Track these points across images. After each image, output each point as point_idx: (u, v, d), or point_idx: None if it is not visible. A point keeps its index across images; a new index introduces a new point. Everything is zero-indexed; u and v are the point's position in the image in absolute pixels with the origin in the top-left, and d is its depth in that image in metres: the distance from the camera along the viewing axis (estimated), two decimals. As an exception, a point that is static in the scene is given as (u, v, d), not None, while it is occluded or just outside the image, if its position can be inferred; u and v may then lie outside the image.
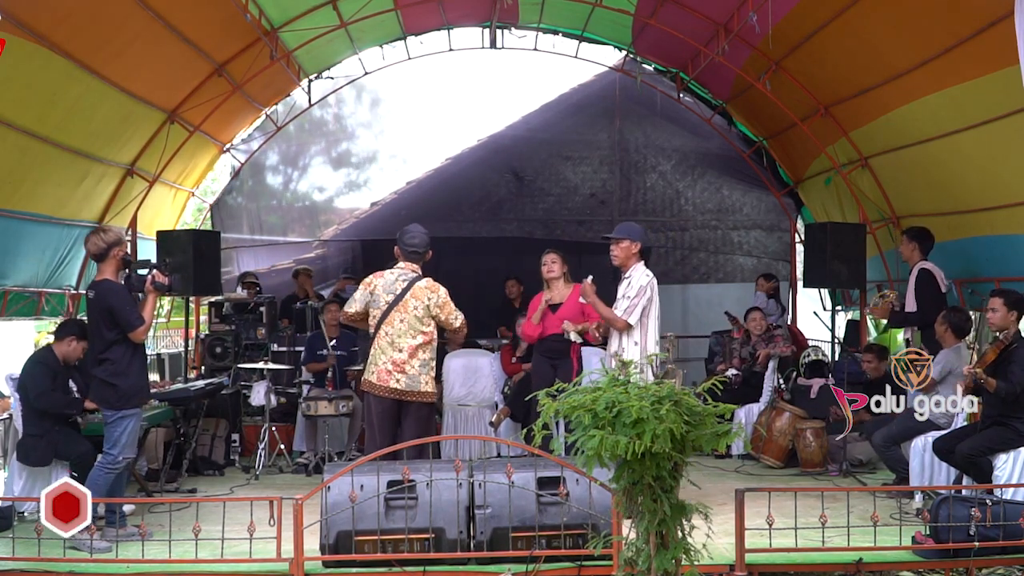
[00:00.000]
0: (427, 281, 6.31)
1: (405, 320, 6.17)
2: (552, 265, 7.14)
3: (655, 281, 6.34)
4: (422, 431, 6.21)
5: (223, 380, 8.71)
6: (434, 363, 6.34)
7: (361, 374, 7.88)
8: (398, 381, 6.14)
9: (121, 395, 5.84)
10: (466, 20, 11.06)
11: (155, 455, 7.94)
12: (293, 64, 10.33)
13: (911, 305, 7.72)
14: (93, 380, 6.01)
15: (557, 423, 5.43)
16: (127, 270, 6.02)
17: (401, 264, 6.39)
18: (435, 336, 6.31)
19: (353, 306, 6.34)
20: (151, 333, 11.85)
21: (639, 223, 11.94)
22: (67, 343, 6.63)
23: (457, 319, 6.33)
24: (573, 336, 6.85)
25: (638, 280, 6.28)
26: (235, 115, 10.72)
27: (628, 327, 6.21)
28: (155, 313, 6.24)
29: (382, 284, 6.26)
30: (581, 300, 6.69)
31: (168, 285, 6.01)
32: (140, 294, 6.01)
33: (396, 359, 6.14)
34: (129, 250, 6.09)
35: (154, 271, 5.95)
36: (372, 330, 6.25)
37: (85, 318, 6.75)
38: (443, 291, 6.33)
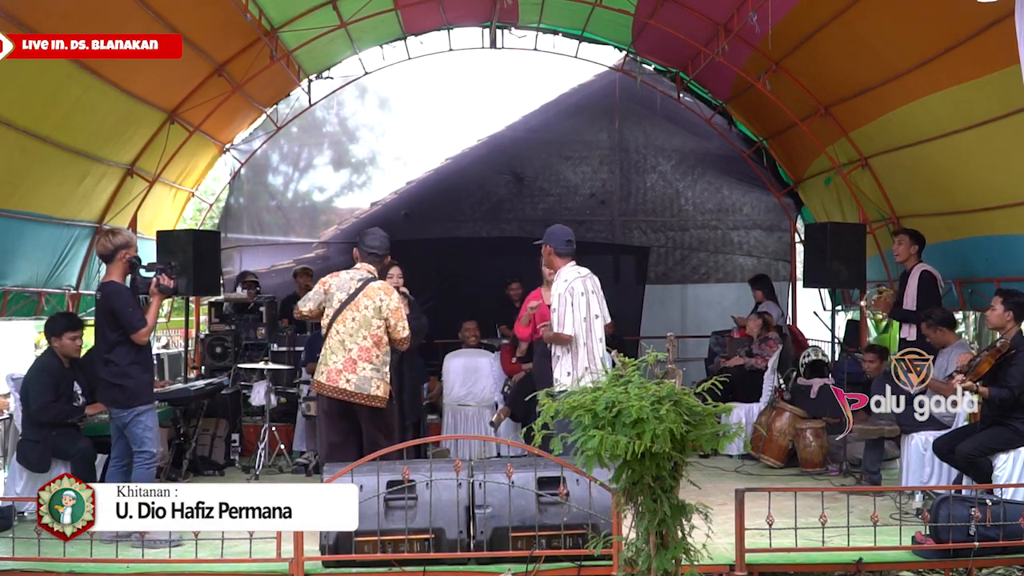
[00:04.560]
0: (382, 283, 6.23)
1: (356, 319, 6.04)
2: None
3: (576, 282, 6.28)
4: (380, 439, 6.02)
5: (223, 380, 8.71)
6: (387, 369, 6.14)
7: None
8: (347, 381, 5.98)
9: (129, 394, 5.83)
10: (466, 20, 11.06)
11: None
12: (293, 64, 10.33)
13: (910, 305, 7.72)
14: (100, 382, 6.01)
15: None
16: (132, 272, 6.02)
17: (358, 265, 6.29)
18: (386, 340, 6.13)
19: (307, 304, 6.20)
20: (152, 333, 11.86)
21: (639, 223, 12.14)
22: (61, 339, 6.65)
23: (404, 330, 6.16)
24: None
25: (555, 289, 6.33)
26: (235, 115, 10.72)
27: (571, 338, 6.21)
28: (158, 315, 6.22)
29: (336, 283, 6.16)
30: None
31: (173, 288, 6.03)
32: (146, 296, 6.01)
33: (347, 359, 6.01)
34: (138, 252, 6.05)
35: (160, 274, 5.96)
36: (324, 330, 6.14)
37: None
38: (397, 296, 6.24)
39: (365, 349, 6.03)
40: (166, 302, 13.17)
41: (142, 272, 6.01)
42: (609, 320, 6.52)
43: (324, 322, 6.15)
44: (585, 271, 6.46)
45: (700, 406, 4.11)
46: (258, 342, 9.77)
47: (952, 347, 7.04)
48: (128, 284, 6.04)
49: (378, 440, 5.95)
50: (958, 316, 13.98)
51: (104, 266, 6.04)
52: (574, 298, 6.25)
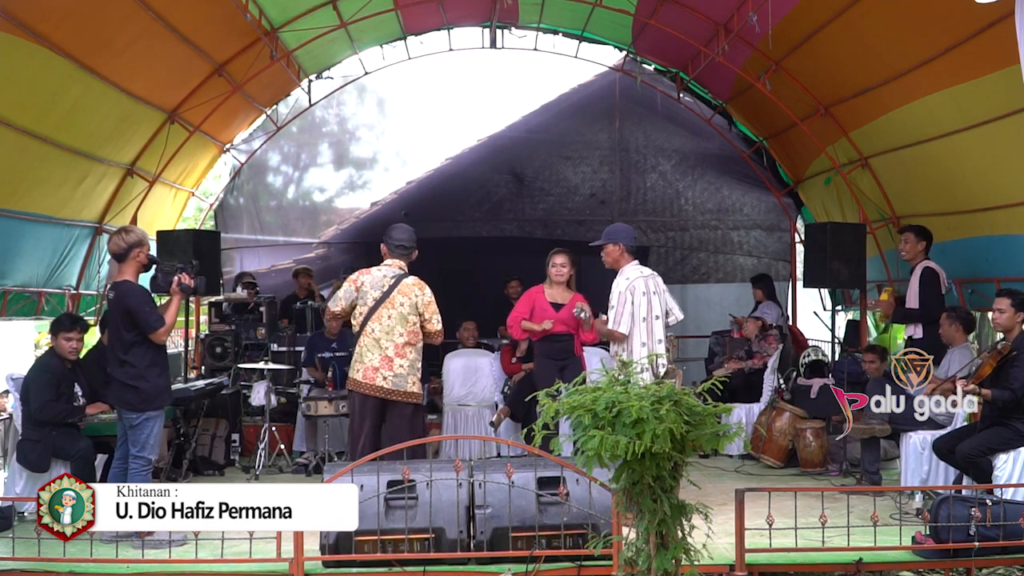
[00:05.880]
0: (414, 279, 6.27)
1: (393, 316, 6.10)
2: (561, 268, 7.13)
3: (639, 281, 6.28)
4: (407, 432, 6.09)
5: (223, 380, 8.71)
6: (420, 364, 6.25)
7: None
8: (385, 379, 6.07)
9: (143, 397, 5.76)
10: (466, 20, 11.06)
11: (160, 453, 7.96)
12: (293, 64, 10.33)
13: (912, 302, 7.73)
14: (113, 382, 5.90)
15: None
16: (155, 270, 5.97)
17: (388, 261, 6.32)
18: (420, 335, 6.23)
19: (338, 303, 6.26)
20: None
21: (639, 223, 12.15)
22: (57, 339, 6.65)
23: (438, 323, 6.25)
24: (583, 315, 6.84)
25: (616, 287, 6.30)
26: (235, 115, 10.72)
27: (624, 336, 6.22)
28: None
29: (369, 281, 6.19)
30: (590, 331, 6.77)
31: (194, 287, 5.98)
32: (165, 295, 5.98)
33: (383, 357, 6.07)
34: (153, 251, 5.99)
35: (181, 273, 5.92)
36: (357, 328, 6.18)
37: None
38: (429, 291, 6.28)
39: (400, 346, 6.09)
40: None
41: (162, 271, 5.96)
42: (681, 317, 6.53)
43: (357, 320, 6.16)
44: (648, 271, 6.46)
45: (700, 406, 4.11)
46: (258, 342, 9.76)
47: (955, 349, 7.04)
48: (146, 283, 5.99)
49: (403, 436, 5.95)
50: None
51: (105, 266, 6.03)
52: (635, 297, 6.24)
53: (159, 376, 5.89)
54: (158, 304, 5.95)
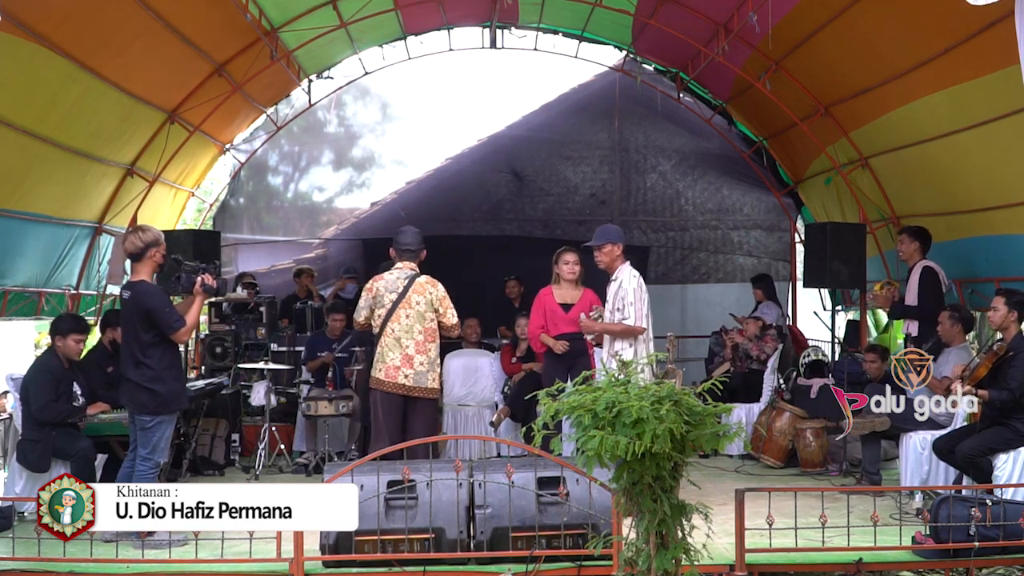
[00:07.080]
0: (427, 277, 6.54)
1: (410, 316, 6.36)
2: (574, 266, 7.18)
3: (641, 280, 6.47)
4: (430, 429, 6.45)
5: (223, 380, 8.71)
6: (439, 360, 6.52)
7: (360, 374, 7.92)
8: (407, 377, 6.33)
9: (159, 401, 5.70)
10: (466, 20, 11.06)
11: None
12: (293, 64, 10.34)
13: (912, 301, 7.74)
14: (127, 384, 5.80)
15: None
16: (179, 271, 5.94)
17: (399, 264, 6.57)
18: (437, 332, 6.48)
19: (362, 314, 6.55)
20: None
21: (639, 223, 12.15)
22: (67, 340, 6.64)
23: (454, 316, 6.53)
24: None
25: (629, 284, 6.40)
26: (235, 115, 10.72)
27: (644, 330, 6.34)
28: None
29: (383, 285, 6.46)
30: (588, 336, 6.84)
31: (216, 288, 5.97)
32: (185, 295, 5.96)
33: (404, 355, 6.33)
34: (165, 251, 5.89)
35: (203, 273, 5.90)
36: (377, 329, 6.44)
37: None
38: (441, 287, 6.55)
39: (420, 343, 6.37)
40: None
41: (185, 271, 5.93)
42: None
43: (376, 322, 6.45)
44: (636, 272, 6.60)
45: (700, 406, 4.11)
46: (258, 342, 9.75)
47: (954, 348, 7.05)
48: (163, 283, 5.97)
49: (424, 430, 6.29)
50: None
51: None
52: (642, 293, 6.40)
53: (176, 379, 5.86)
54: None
